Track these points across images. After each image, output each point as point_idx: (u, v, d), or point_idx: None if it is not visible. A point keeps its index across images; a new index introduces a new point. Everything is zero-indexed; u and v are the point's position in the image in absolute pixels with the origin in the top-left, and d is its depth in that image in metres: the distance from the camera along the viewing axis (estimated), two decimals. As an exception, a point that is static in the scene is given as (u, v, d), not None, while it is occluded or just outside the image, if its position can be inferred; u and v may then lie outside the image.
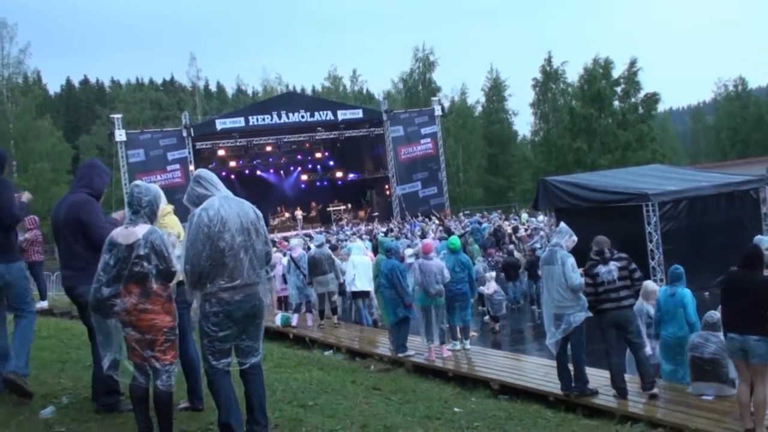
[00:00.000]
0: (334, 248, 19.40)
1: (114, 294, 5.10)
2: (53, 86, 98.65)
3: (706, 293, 14.62)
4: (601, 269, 9.25)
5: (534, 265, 18.03)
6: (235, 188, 44.19)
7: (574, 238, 9.44)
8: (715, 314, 8.86)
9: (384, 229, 33.65)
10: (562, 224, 9.78)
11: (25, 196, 7.21)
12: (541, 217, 30.25)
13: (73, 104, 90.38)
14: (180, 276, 5.41)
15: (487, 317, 17.80)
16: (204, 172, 5.58)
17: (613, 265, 9.26)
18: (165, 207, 6.05)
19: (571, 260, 9.28)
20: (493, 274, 18.43)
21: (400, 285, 12.34)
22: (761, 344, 7.25)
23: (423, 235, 25.75)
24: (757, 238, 8.51)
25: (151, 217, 5.41)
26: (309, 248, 19.46)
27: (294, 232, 40.91)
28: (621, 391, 9.25)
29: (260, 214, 5.53)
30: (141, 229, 5.23)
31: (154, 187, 5.59)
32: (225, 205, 5.28)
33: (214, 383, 5.26)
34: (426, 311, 12.13)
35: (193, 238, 5.12)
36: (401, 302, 12.39)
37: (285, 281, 17.41)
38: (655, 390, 9.05)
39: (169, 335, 5.25)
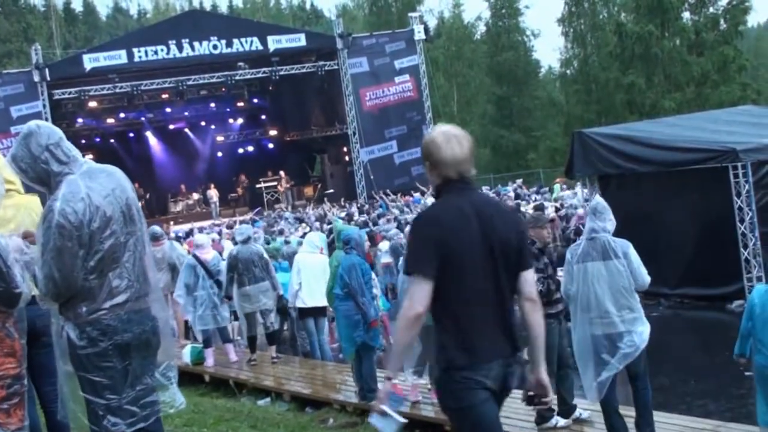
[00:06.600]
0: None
1: None
2: None
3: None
4: None
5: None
6: (118, 157, 44.10)
7: (614, 218, 9.41)
8: None
9: (343, 213, 33.54)
10: (598, 199, 9.77)
11: None
12: (577, 190, 30.10)
13: None
14: (29, 296, 5.31)
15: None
16: (44, 125, 5.33)
17: None
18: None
19: (633, 249, 9.22)
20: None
21: (361, 294, 12.23)
22: None
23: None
24: None
25: None
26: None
27: (207, 222, 40.55)
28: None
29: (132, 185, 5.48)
30: None
31: None
32: (92, 186, 5.12)
33: None
34: None
35: (58, 249, 4.94)
36: (360, 321, 12.31)
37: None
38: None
39: (15, 387, 5.14)
